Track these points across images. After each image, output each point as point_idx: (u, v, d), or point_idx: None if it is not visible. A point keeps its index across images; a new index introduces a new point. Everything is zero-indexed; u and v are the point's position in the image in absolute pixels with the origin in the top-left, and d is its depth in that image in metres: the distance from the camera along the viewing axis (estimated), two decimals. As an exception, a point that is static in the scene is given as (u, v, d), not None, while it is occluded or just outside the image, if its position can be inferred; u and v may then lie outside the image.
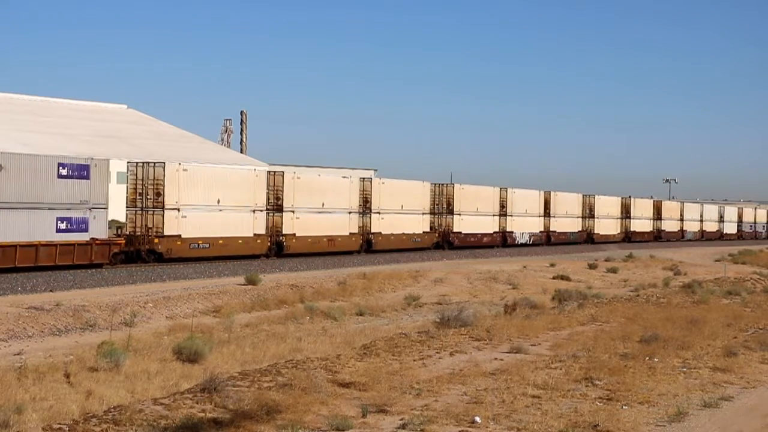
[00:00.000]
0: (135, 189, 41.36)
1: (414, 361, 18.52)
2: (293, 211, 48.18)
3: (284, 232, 47.76)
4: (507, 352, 19.96)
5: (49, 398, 14.67)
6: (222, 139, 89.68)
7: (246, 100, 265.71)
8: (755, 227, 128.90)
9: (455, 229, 63.59)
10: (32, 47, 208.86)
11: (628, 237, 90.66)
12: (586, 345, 20.86)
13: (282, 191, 47.68)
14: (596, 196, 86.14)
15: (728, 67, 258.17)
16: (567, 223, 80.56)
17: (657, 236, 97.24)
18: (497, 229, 68.90)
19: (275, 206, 47.49)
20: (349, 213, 52.75)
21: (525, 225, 73.09)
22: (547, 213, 76.66)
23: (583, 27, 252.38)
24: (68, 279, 32.95)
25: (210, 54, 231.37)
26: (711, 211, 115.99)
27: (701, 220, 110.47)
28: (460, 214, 63.85)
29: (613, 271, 50.46)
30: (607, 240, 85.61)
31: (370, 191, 54.94)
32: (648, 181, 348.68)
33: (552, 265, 50.36)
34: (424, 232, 60.42)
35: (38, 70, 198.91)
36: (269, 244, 46.86)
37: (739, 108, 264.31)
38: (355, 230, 53.46)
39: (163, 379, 16.69)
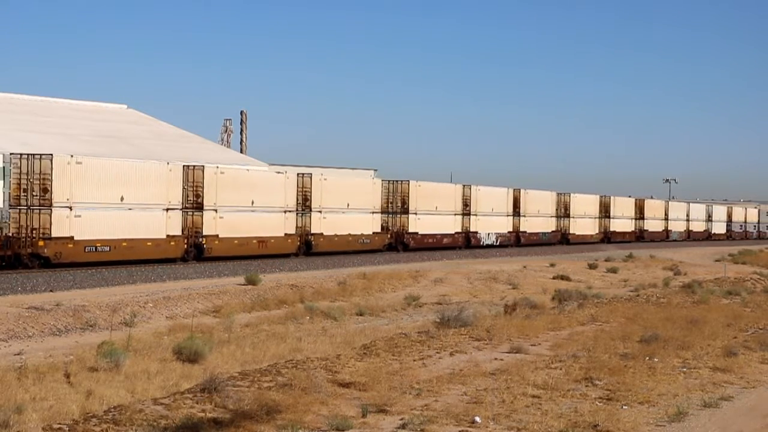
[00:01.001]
0: (19, 185, 36.61)
1: (414, 361, 18.52)
2: (216, 210, 43.66)
3: (205, 233, 43.14)
4: (507, 352, 19.97)
5: (49, 398, 14.68)
6: (222, 139, 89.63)
7: (246, 100, 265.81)
8: (746, 227, 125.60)
9: (411, 230, 59.30)
10: (32, 47, 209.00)
11: (608, 237, 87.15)
12: (586, 345, 20.87)
13: (202, 188, 43.09)
14: (572, 195, 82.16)
15: (728, 67, 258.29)
16: (539, 222, 76.20)
17: (639, 236, 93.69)
18: (459, 230, 64.62)
19: (195, 204, 43.04)
20: (285, 212, 48.12)
21: (491, 225, 68.75)
22: (516, 212, 72.55)
23: (583, 27, 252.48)
24: (68, 279, 33.00)
25: (210, 54, 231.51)
26: (698, 210, 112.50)
27: (687, 220, 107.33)
28: (416, 213, 59.63)
29: (613, 271, 50.47)
30: (584, 241, 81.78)
31: (310, 188, 50.43)
32: (648, 181, 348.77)
33: (552, 265, 50.37)
34: (374, 232, 55.78)
35: (38, 70, 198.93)
36: (186, 246, 42.30)
37: (739, 108, 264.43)
38: (292, 231, 48.79)
39: (163, 379, 16.69)
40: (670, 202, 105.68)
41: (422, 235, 60.33)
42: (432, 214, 61.35)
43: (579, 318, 26.18)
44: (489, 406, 14.40)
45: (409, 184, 59.56)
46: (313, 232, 50.54)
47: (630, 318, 26.05)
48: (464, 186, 66.12)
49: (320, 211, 51.11)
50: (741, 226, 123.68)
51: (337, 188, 52.99)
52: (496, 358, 19.15)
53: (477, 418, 13.61)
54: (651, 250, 72.00)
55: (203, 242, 43.19)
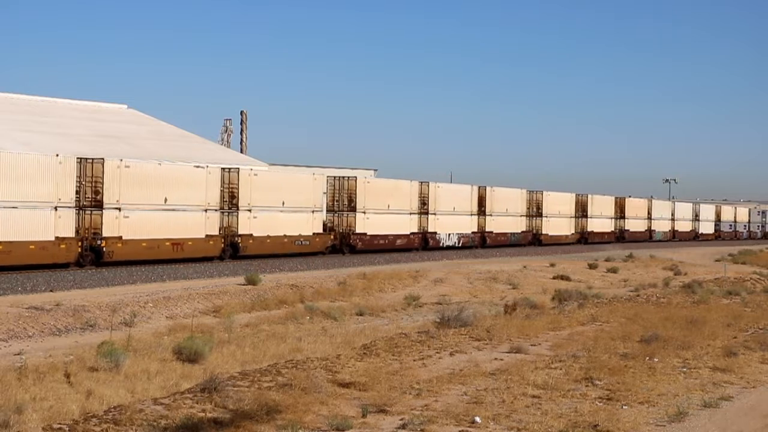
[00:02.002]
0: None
1: (414, 361, 18.52)
2: (119, 209, 38.79)
3: (105, 234, 38.13)
4: (507, 352, 19.97)
5: (49, 398, 14.67)
6: (222, 139, 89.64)
7: (246, 100, 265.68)
8: (735, 227, 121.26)
9: (358, 230, 53.98)
10: (32, 47, 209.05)
11: (585, 238, 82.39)
12: (586, 345, 20.88)
13: (102, 183, 38.15)
14: (545, 193, 76.92)
15: (728, 67, 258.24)
16: (508, 222, 71.13)
17: (619, 237, 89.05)
18: (416, 230, 59.84)
19: (93, 202, 38.26)
20: (206, 211, 43.39)
21: (452, 225, 63.76)
22: (481, 211, 67.44)
23: (583, 27, 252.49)
24: (68, 279, 33.01)
25: (210, 54, 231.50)
26: (684, 209, 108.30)
27: (672, 219, 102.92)
28: (365, 212, 54.39)
29: (613, 270, 50.48)
30: (557, 242, 77.01)
31: (238, 184, 45.69)
32: (648, 181, 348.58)
33: (552, 265, 50.38)
34: (314, 233, 50.63)
35: (38, 70, 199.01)
36: (80, 250, 37.20)
37: (738, 108, 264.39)
38: (214, 232, 44.19)
39: (163, 379, 16.69)
40: (653, 201, 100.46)
41: (372, 236, 54.95)
42: (384, 213, 56.27)
43: (579, 318, 26.18)
44: (489, 406, 14.41)
45: (356, 181, 54.45)
46: (240, 233, 45.61)
47: (630, 318, 26.05)
48: (422, 183, 61.18)
49: (249, 210, 46.10)
50: (731, 225, 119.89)
51: (270, 184, 47.86)
52: (496, 358, 19.15)
53: (477, 418, 13.62)
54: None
55: (103, 245, 38.00)
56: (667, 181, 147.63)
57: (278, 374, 16.47)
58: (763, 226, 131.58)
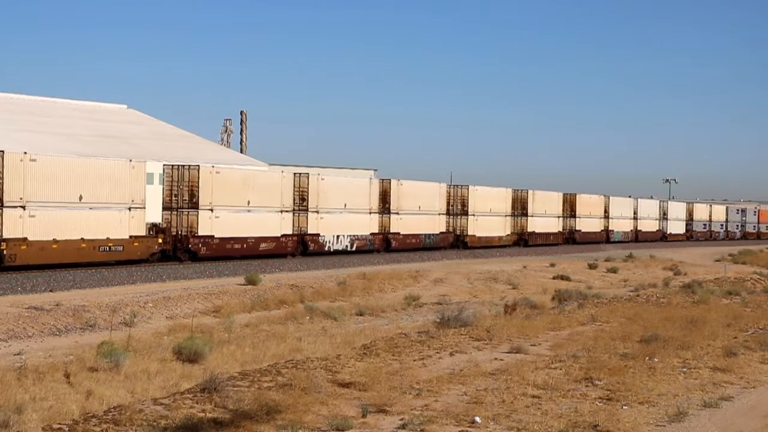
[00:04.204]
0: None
1: (414, 361, 18.52)
2: (23, 207, 34.49)
3: (6, 235, 33.87)
4: (507, 352, 19.96)
5: (49, 398, 14.67)
6: (222, 139, 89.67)
7: (246, 100, 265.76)
8: (710, 226, 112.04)
9: (202, 232, 43.41)
10: (32, 47, 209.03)
11: (524, 239, 72.57)
12: (586, 345, 20.87)
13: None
14: (471, 187, 66.33)
15: (728, 67, 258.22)
16: (422, 222, 60.43)
17: (568, 238, 79.30)
18: (290, 231, 48.58)
19: None
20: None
21: (343, 225, 52.72)
22: (385, 209, 57.05)
23: (582, 27, 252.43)
24: (68, 279, 33.00)
25: (210, 54, 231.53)
26: (649, 206, 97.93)
27: (635, 218, 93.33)
28: (212, 210, 43.86)
29: (613, 271, 50.48)
30: (488, 244, 66.96)
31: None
32: (648, 181, 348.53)
33: (552, 265, 50.39)
34: (133, 236, 39.73)
35: (38, 70, 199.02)
36: None
37: (738, 108, 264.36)
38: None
39: (163, 379, 16.69)
40: (611, 198, 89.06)
41: (222, 239, 44.16)
42: (241, 210, 45.56)
43: (579, 318, 26.18)
44: (489, 406, 14.40)
45: (199, 170, 43.40)
46: (5, 236, 35.25)
47: (630, 318, 26.05)
48: (299, 176, 50.32)
49: (23, 207, 35.19)
50: (704, 225, 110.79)
51: (59, 172, 36.71)
52: (496, 358, 19.15)
53: (477, 418, 13.61)
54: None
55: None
56: (667, 181, 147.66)
57: (278, 374, 16.47)
58: (742, 226, 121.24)
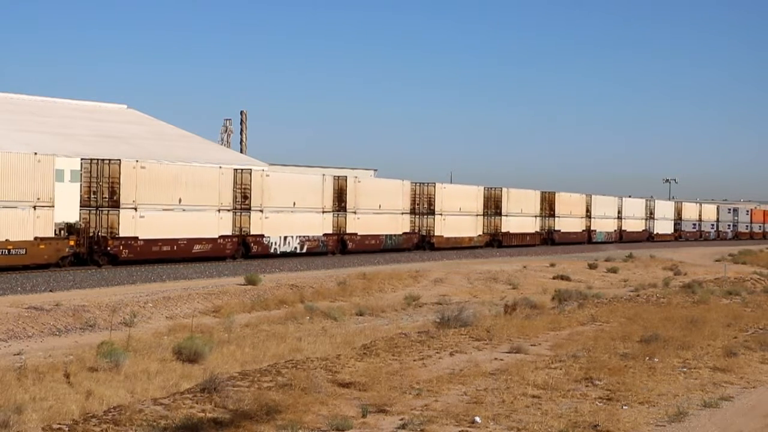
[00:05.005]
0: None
1: (414, 361, 18.52)
2: None
3: None
4: (507, 352, 19.96)
5: (49, 398, 14.67)
6: (222, 139, 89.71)
7: (246, 100, 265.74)
8: (700, 226, 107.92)
9: (124, 233, 38.90)
10: (32, 47, 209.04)
11: (497, 240, 68.21)
12: (586, 345, 20.87)
13: None
14: (438, 185, 62.65)
15: (728, 67, 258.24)
16: (382, 222, 56.02)
17: (546, 238, 75.23)
18: (229, 232, 44.53)
19: None
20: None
21: (292, 225, 48.60)
22: (341, 207, 52.42)
23: (582, 27, 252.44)
24: (68, 279, 32.99)
25: (210, 54, 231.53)
26: (634, 206, 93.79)
27: (619, 218, 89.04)
28: (136, 209, 39.35)
29: (614, 271, 50.49)
30: (457, 245, 62.60)
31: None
32: (648, 181, 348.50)
33: (552, 265, 50.41)
34: (39, 238, 35.28)
35: (38, 70, 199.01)
36: None
37: (738, 108, 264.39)
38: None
39: (163, 379, 16.69)
40: (594, 196, 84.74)
41: (148, 241, 39.85)
42: (171, 209, 41.16)
43: (579, 318, 26.18)
44: (489, 406, 14.40)
45: (120, 165, 38.96)
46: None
47: (630, 318, 26.05)
48: (241, 172, 46.30)
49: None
50: (694, 225, 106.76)
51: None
52: (496, 358, 19.15)
53: (477, 418, 13.61)
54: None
55: None
56: (667, 181, 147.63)
57: (278, 374, 16.47)
58: (734, 226, 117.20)
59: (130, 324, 23.99)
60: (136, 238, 39.24)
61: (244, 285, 32.80)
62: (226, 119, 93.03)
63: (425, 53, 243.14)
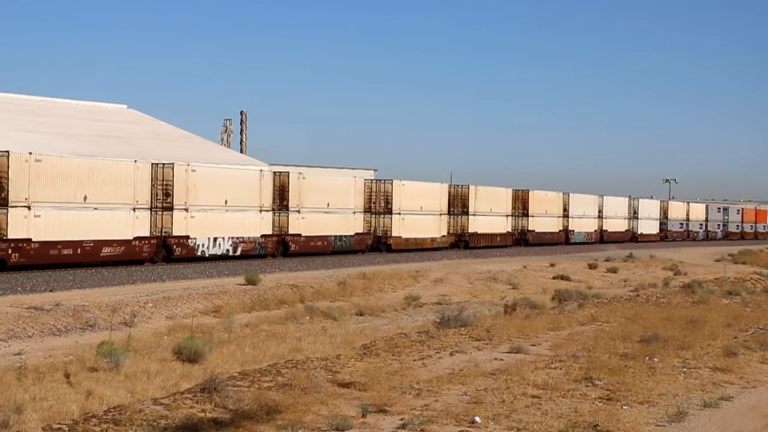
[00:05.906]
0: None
1: (414, 361, 18.53)
2: None
3: None
4: (507, 352, 19.97)
5: (48, 398, 14.67)
6: (222, 139, 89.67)
7: (246, 100, 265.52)
8: (688, 225, 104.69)
9: (13, 235, 34.04)
10: (32, 47, 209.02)
11: (464, 240, 64.18)
12: (586, 345, 20.88)
13: None
14: (396, 182, 58.07)
15: (728, 67, 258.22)
16: (331, 222, 51.74)
17: (519, 239, 71.70)
18: (147, 233, 40.03)
19: None
20: None
21: (224, 226, 44.44)
22: (283, 206, 48.21)
23: (582, 27, 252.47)
24: (68, 279, 32.97)
25: (210, 54, 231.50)
26: (617, 204, 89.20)
27: (600, 217, 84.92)
28: (29, 208, 34.73)
29: (614, 271, 50.51)
30: (418, 247, 58.63)
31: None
32: (648, 181, 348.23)
33: (552, 265, 50.44)
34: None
35: (38, 70, 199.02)
36: None
37: (739, 108, 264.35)
38: None
39: (163, 379, 16.69)
40: (572, 195, 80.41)
41: (43, 243, 35.20)
42: (77, 208, 36.73)
43: (579, 318, 26.19)
44: (489, 406, 14.41)
45: (9, 157, 34.30)
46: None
47: (630, 318, 26.06)
48: (162, 167, 41.16)
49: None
50: (681, 224, 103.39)
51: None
52: (496, 358, 19.15)
53: (477, 418, 13.61)
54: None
55: None
56: (667, 181, 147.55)
57: (278, 374, 16.47)
58: (724, 226, 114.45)
59: (130, 324, 24.00)
60: (29, 241, 34.69)
61: (244, 285, 32.82)
62: (226, 119, 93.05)
63: (426, 53, 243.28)
